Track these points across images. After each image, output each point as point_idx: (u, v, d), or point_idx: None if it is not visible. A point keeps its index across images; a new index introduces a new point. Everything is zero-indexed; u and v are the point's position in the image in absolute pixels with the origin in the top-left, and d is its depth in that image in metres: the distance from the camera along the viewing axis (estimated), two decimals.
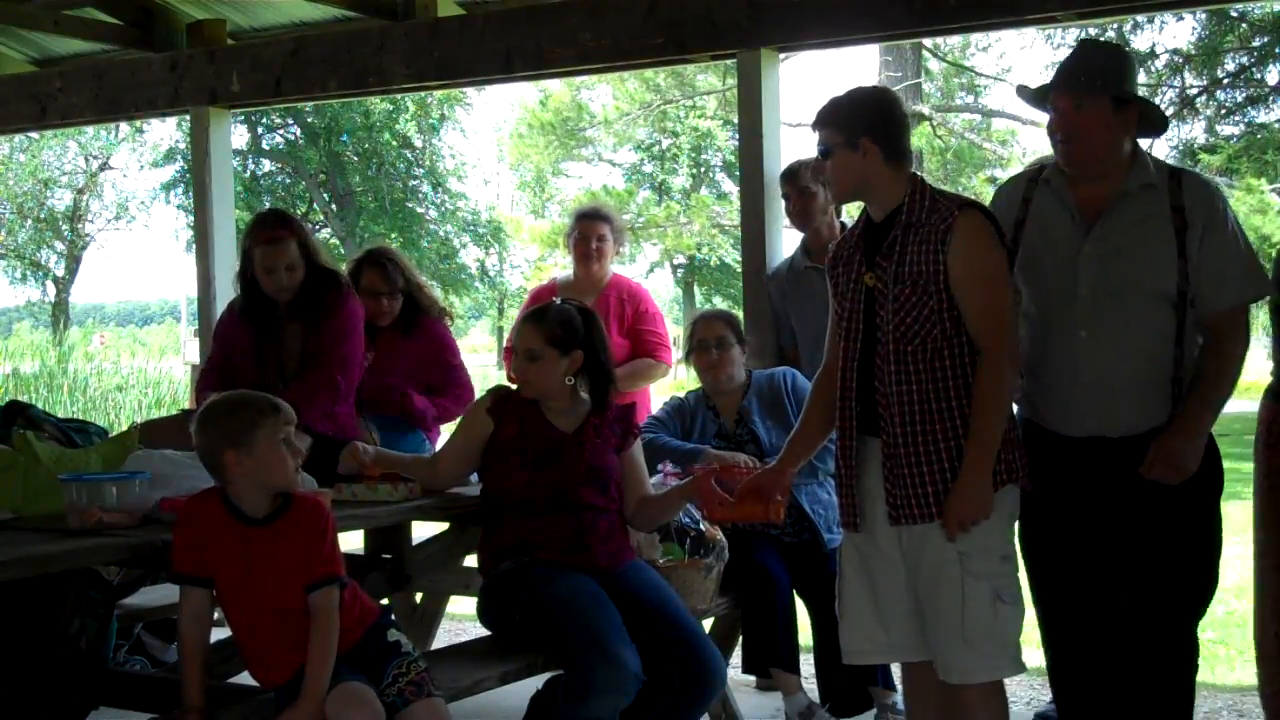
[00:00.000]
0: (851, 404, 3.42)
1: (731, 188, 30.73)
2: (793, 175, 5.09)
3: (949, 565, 3.31)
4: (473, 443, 3.98)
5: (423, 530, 4.66)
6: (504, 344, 7.81)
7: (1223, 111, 19.24)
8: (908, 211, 3.37)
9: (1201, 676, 5.43)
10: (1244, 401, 5.17)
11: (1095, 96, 3.42)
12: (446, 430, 4.72)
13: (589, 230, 5.34)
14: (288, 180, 31.73)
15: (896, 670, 4.58)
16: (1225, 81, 18.83)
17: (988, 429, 3.28)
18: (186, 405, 5.19)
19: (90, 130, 29.89)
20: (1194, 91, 19.01)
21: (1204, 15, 17.56)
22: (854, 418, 3.42)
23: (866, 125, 3.38)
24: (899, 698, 4.45)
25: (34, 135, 27.70)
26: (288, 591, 3.20)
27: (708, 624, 4.32)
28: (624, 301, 5.34)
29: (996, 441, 3.29)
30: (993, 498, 3.28)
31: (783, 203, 5.49)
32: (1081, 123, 3.43)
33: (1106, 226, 3.45)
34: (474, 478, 4.10)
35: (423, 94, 25.85)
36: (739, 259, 6.73)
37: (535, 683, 3.78)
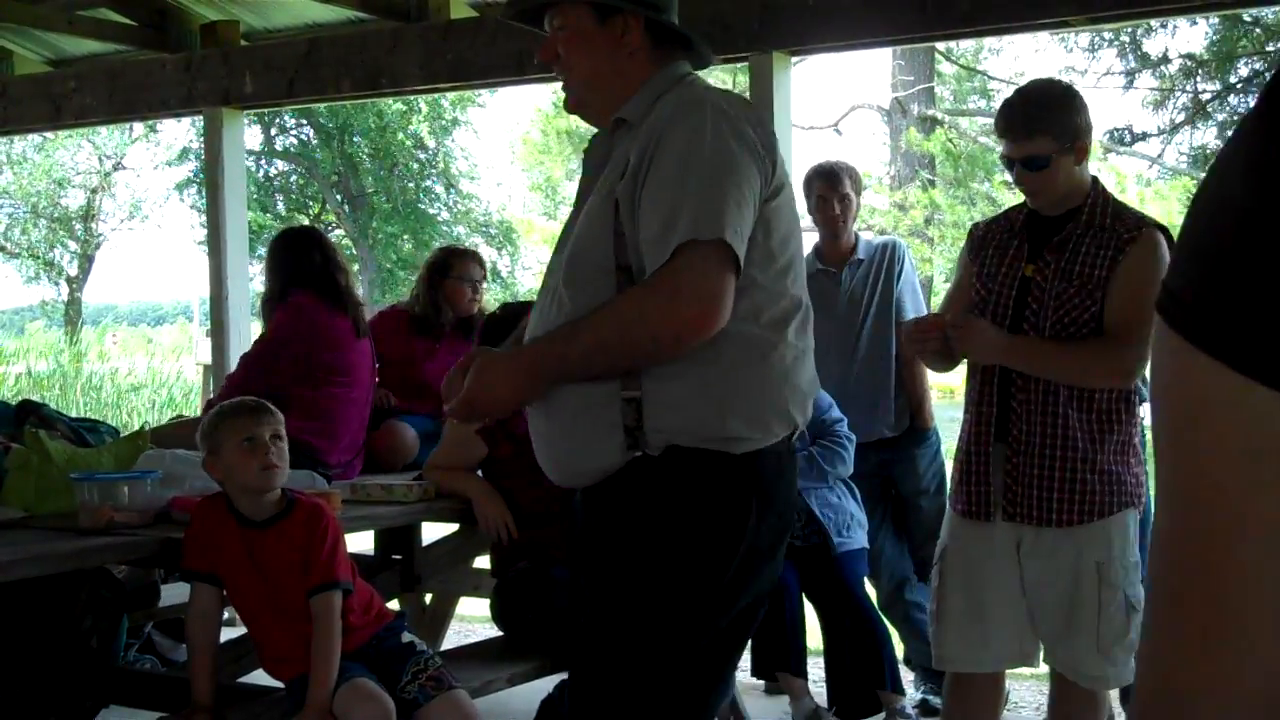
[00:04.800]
0: (992, 390, 3.30)
1: None
2: (834, 178, 4.87)
3: (1086, 575, 3.21)
4: (468, 469, 3.99)
5: (432, 531, 4.68)
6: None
7: (1235, 116, 19.19)
8: (1089, 213, 3.25)
9: None
10: None
11: (574, 6, 2.52)
12: None
13: None
14: (300, 181, 31.77)
15: (906, 674, 4.59)
16: (1238, 86, 18.79)
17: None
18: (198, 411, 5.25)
19: (104, 130, 29.96)
20: (1207, 96, 18.98)
21: (1217, 20, 17.53)
22: (993, 404, 3.30)
23: (1081, 125, 3.25)
24: (906, 702, 4.45)
25: (48, 135, 27.76)
26: (290, 594, 3.22)
27: None
28: None
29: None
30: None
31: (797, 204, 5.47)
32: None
33: None
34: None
35: (435, 95, 25.89)
36: None
37: (545, 685, 3.79)
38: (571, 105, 2.57)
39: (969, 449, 3.35)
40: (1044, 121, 3.22)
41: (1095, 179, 3.34)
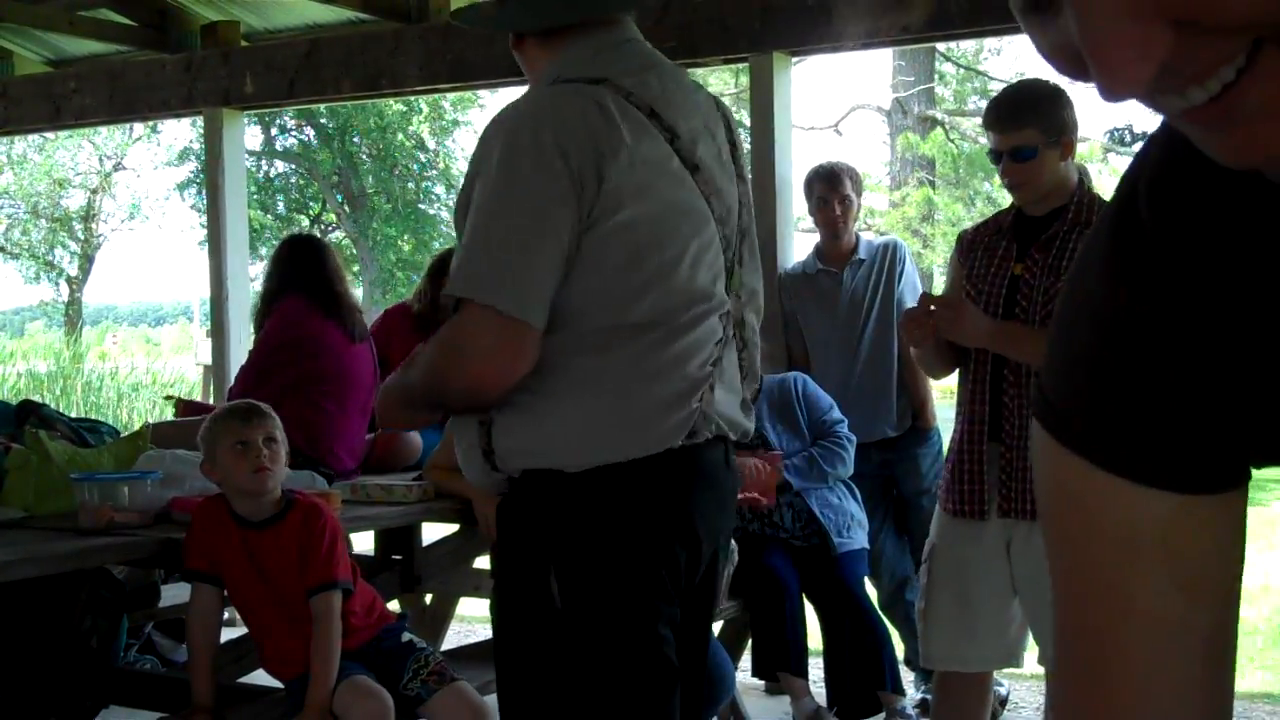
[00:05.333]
0: (984, 390, 3.35)
1: None
2: (835, 180, 4.90)
3: None
4: None
5: (433, 532, 4.67)
6: None
7: None
8: (1075, 210, 3.31)
9: None
10: None
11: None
12: None
13: None
14: (301, 182, 31.80)
15: (906, 675, 4.59)
16: None
17: None
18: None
19: (104, 130, 29.97)
20: None
21: None
22: (985, 403, 3.35)
23: (1068, 121, 3.32)
24: (907, 703, 4.45)
25: (49, 135, 27.77)
26: (290, 594, 3.23)
27: (717, 627, 4.32)
28: None
29: None
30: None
31: (792, 206, 5.48)
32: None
33: None
34: None
35: (436, 96, 25.91)
36: None
37: None
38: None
39: (961, 449, 3.38)
40: (1031, 114, 3.29)
41: (1081, 179, 3.40)
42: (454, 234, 2.39)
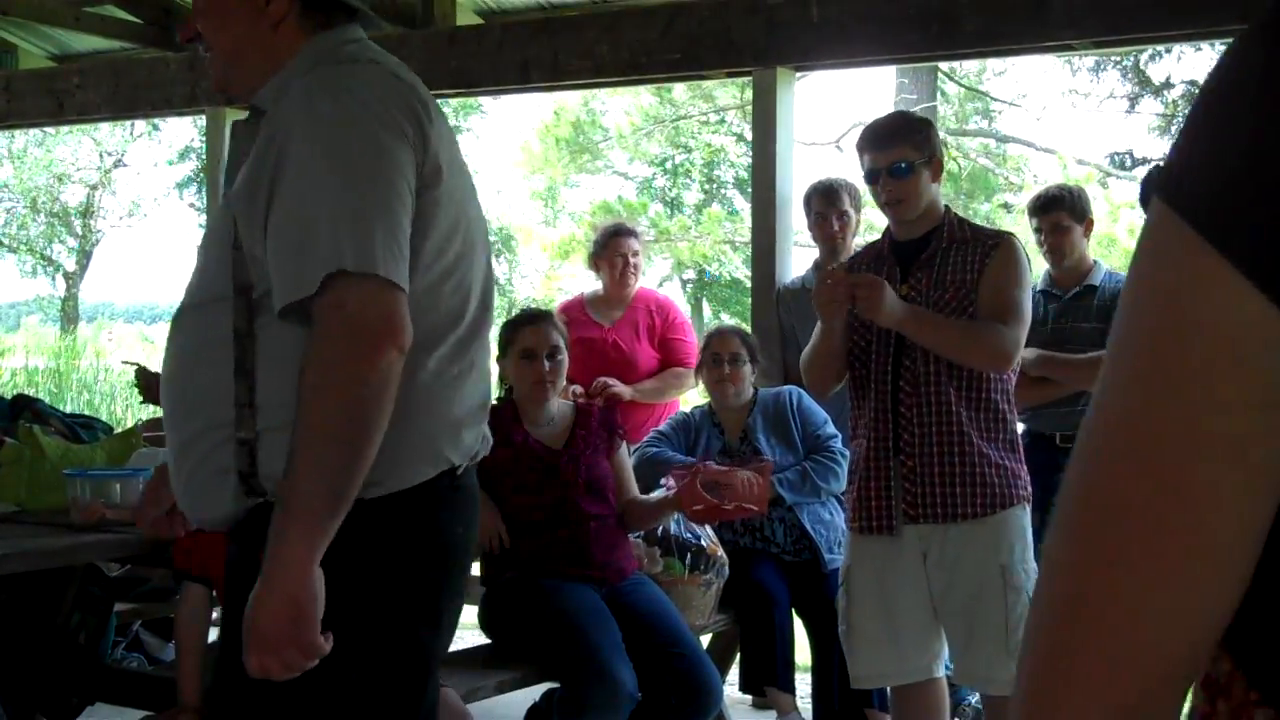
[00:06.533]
0: (886, 408, 3.44)
1: (743, 204, 30.72)
2: (832, 195, 4.94)
3: (991, 579, 3.34)
4: None
5: None
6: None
7: None
8: (949, 232, 3.49)
9: None
10: None
11: None
12: None
13: (624, 247, 5.25)
14: None
15: None
16: None
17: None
18: None
19: (105, 127, 29.97)
20: None
21: (1222, 47, 17.58)
22: (888, 422, 3.43)
23: (936, 144, 3.56)
24: None
25: (50, 130, 27.77)
26: None
27: (705, 640, 4.32)
28: (653, 313, 5.33)
29: None
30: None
31: (792, 220, 5.49)
32: None
33: None
34: None
35: (438, 102, 25.95)
36: (749, 275, 6.73)
37: (531, 693, 3.79)
38: (216, 85, 2.26)
39: (867, 468, 3.47)
40: (906, 133, 3.53)
41: (947, 205, 3.61)
42: None
